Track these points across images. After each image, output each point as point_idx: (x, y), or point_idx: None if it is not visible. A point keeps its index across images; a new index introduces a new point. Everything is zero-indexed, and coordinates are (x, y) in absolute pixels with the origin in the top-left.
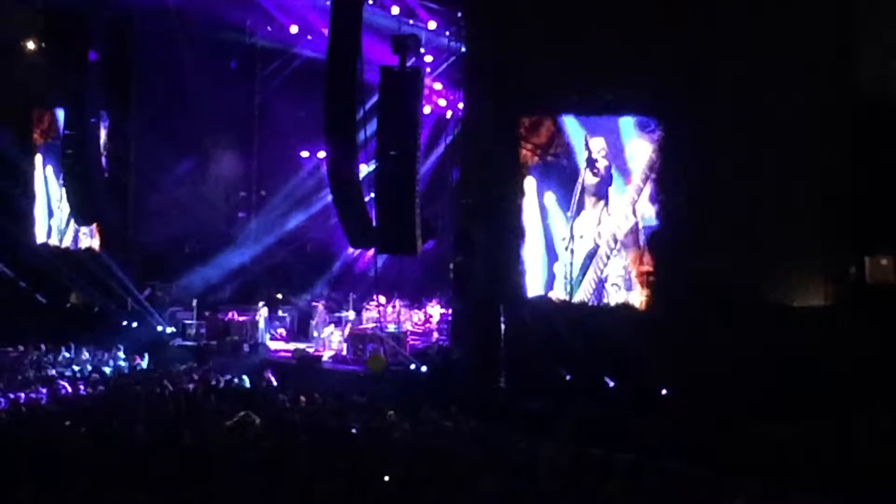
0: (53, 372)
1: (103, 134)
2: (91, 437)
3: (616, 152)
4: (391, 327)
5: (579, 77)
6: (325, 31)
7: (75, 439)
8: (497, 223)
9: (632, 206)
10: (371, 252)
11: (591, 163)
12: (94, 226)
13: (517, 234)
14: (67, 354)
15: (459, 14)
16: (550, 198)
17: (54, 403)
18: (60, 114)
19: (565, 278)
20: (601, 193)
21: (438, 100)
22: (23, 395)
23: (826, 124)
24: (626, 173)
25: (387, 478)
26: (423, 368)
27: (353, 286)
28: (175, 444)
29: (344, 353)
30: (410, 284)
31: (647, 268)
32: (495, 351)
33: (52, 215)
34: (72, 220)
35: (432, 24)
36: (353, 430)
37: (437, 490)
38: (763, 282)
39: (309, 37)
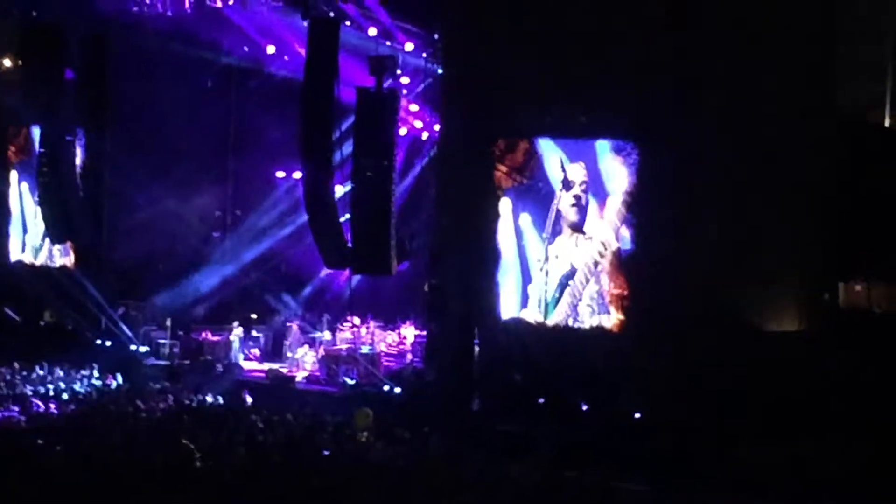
0: (27, 390)
1: (79, 152)
2: (64, 455)
3: (594, 178)
4: (365, 348)
5: (555, 100)
6: (302, 52)
7: (48, 457)
8: (472, 245)
9: (610, 231)
10: (346, 273)
11: (567, 185)
12: (69, 243)
13: (492, 255)
14: (41, 372)
15: (436, 36)
16: (526, 219)
17: (27, 421)
18: (36, 131)
19: (540, 299)
20: (578, 220)
21: (415, 121)
22: None
23: (803, 151)
24: (602, 197)
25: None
26: (397, 390)
27: (328, 307)
28: (148, 463)
29: (317, 373)
30: (385, 305)
31: (621, 291)
32: (469, 373)
33: (27, 231)
34: (47, 238)
35: (409, 46)
36: (326, 452)
37: None
38: (738, 306)
39: (285, 57)
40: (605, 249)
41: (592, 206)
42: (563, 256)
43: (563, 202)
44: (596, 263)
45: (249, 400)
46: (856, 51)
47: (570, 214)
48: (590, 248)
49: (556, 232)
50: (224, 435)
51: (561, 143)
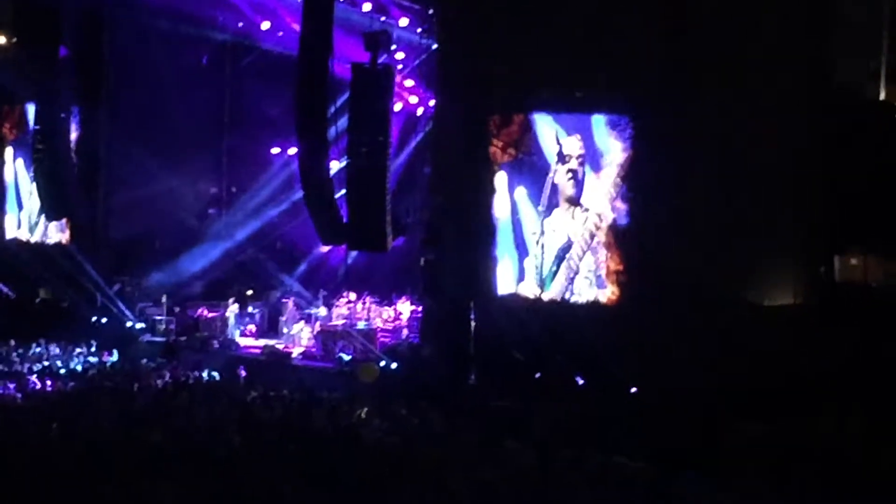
0: (23, 367)
1: (74, 129)
2: (60, 432)
3: (589, 151)
4: (361, 324)
5: (551, 75)
6: (297, 28)
7: (44, 434)
8: (467, 220)
9: (605, 204)
10: (342, 249)
11: (562, 158)
12: (65, 221)
13: (488, 230)
14: (37, 349)
15: (431, 11)
16: (521, 192)
17: (23, 398)
18: (31, 108)
19: (536, 272)
20: (574, 193)
21: (410, 97)
22: None
23: (798, 125)
24: (598, 171)
25: (355, 475)
26: (394, 365)
27: (324, 283)
28: (144, 440)
29: (314, 349)
30: (380, 281)
31: (617, 266)
32: (465, 348)
33: (22, 208)
34: (42, 214)
35: (404, 21)
36: (323, 427)
37: (406, 487)
38: (733, 280)
39: (280, 33)
40: (601, 222)
41: (589, 178)
42: (559, 229)
43: (559, 175)
44: (592, 236)
45: (244, 374)
46: (851, 25)
47: (567, 188)
48: (586, 220)
49: (552, 205)
50: (220, 411)
51: (556, 117)
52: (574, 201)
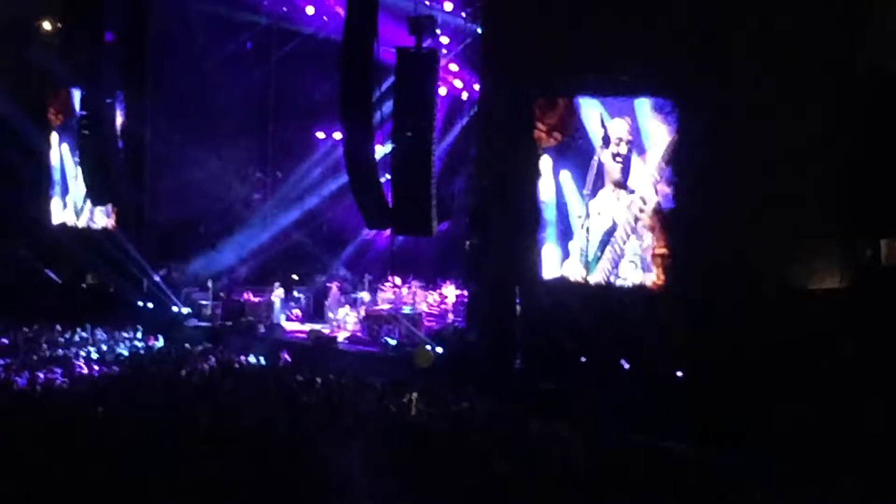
0: (69, 352)
1: (119, 114)
2: (106, 417)
3: (634, 134)
4: (406, 308)
5: (595, 58)
6: (341, 12)
7: (91, 419)
8: (513, 204)
9: (649, 187)
10: (387, 233)
11: (606, 141)
12: (110, 206)
13: (533, 214)
14: (83, 334)
15: None
16: (566, 176)
17: (70, 383)
18: (76, 93)
19: (582, 255)
20: (619, 174)
21: (454, 81)
22: (41, 374)
23: (841, 107)
24: (643, 154)
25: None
26: (439, 350)
27: (369, 267)
28: (191, 425)
29: (359, 334)
30: (426, 265)
31: (663, 249)
32: (510, 332)
33: (68, 192)
34: (87, 199)
35: (448, 6)
36: (369, 412)
37: (452, 470)
38: (779, 264)
39: (325, 17)
40: (645, 205)
41: (634, 161)
42: (604, 212)
43: (605, 158)
44: (636, 219)
45: (287, 358)
46: (887, 4)
47: (613, 170)
48: (630, 203)
49: (597, 187)
50: (266, 396)
51: (601, 100)
52: (620, 184)
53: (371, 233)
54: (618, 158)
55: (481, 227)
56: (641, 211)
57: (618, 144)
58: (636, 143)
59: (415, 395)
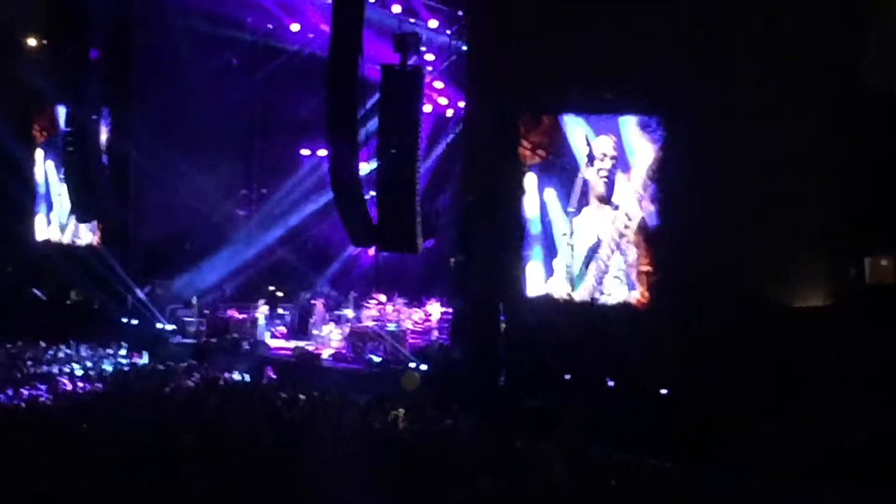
0: (53, 368)
1: (104, 131)
2: (90, 433)
3: (619, 152)
4: (391, 325)
5: (580, 76)
6: (327, 29)
7: (75, 436)
8: (497, 221)
9: (634, 203)
10: (372, 250)
11: (591, 160)
12: (95, 222)
13: (518, 231)
14: (67, 351)
15: (461, 13)
16: (550, 194)
17: (54, 400)
18: (61, 110)
19: (566, 272)
20: (604, 192)
21: (439, 98)
22: (25, 391)
23: (828, 125)
24: (628, 171)
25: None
26: (423, 367)
27: (353, 284)
28: (175, 441)
29: (344, 351)
30: (410, 282)
31: (647, 266)
32: (495, 349)
33: (52, 208)
34: (72, 216)
35: (433, 23)
36: (354, 428)
37: (436, 487)
38: (763, 282)
39: (310, 34)
40: (630, 221)
41: (619, 180)
42: (588, 229)
43: (590, 174)
44: (621, 235)
45: (272, 375)
46: (882, 22)
47: (597, 186)
48: (615, 219)
49: (581, 205)
50: (251, 413)
51: (586, 118)
52: (604, 201)
53: (356, 250)
54: (602, 175)
55: (466, 245)
56: (626, 227)
57: (602, 161)
58: (621, 160)
59: (399, 411)
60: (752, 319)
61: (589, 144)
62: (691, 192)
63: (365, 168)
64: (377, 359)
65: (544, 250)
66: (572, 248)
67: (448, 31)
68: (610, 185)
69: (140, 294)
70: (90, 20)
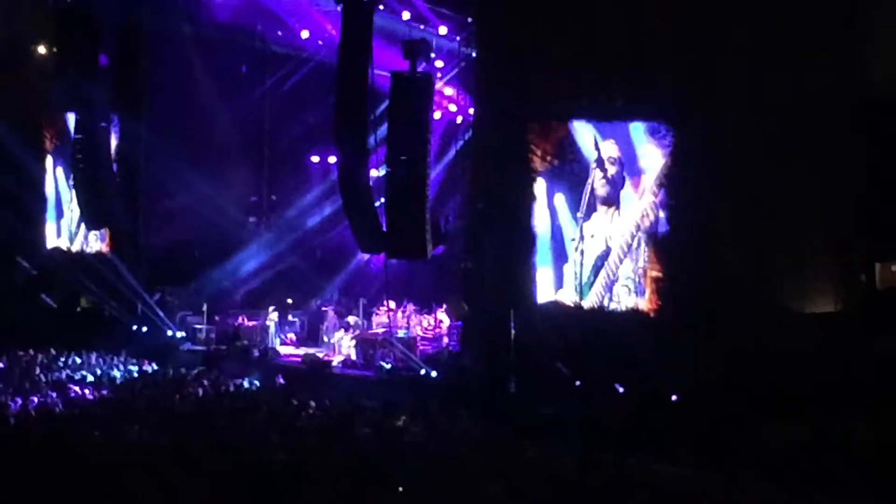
0: (63, 376)
1: (114, 138)
2: (101, 441)
3: (628, 157)
4: (401, 332)
5: (590, 82)
6: (336, 36)
7: (85, 443)
8: (507, 227)
9: (643, 210)
10: (382, 257)
11: (601, 165)
12: (105, 230)
13: (528, 238)
14: (78, 359)
15: (470, 19)
16: (560, 199)
17: (64, 407)
18: (71, 118)
19: (576, 279)
20: (613, 197)
21: (449, 105)
22: (35, 398)
23: (837, 131)
24: (637, 178)
25: (396, 483)
26: (434, 374)
27: (364, 291)
28: (185, 448)
29: (353, 357)
30: (420, 289)
31: (656, 273)
32: (505, 356)
33: (62, 216)
34: (82, 223)
35: (443, 30)
36: (364, 435)
37: (446, 494)
38: (773, 288)
39: (320, 42)
40: (639, 229)
41: (628, 186)
42: (598, 235)
43: (598, 181)
44: (630, 242)
45: (282, 382)
46: (886, 27)
47: (606, 192)
48: (624, 225)
49: (591, 211)
50: (261, 420)
51: (595, 124)
52: (613, 203)
53: (365, 256)
54: (611, 181)
55: (476, 251)
56: (635, 234)
57: (612, 166)
58: (630, 167)
59: (404, 417)
60: (761, 325)
61: (598, 150)
62: (700, 199)
63: (375, 174)
64: (387, 366)
65: (554, 257)
66: (582, 255)
67: (457, 38)
68: (617, 191)
69: (150, 301)
70: (100, 28)
